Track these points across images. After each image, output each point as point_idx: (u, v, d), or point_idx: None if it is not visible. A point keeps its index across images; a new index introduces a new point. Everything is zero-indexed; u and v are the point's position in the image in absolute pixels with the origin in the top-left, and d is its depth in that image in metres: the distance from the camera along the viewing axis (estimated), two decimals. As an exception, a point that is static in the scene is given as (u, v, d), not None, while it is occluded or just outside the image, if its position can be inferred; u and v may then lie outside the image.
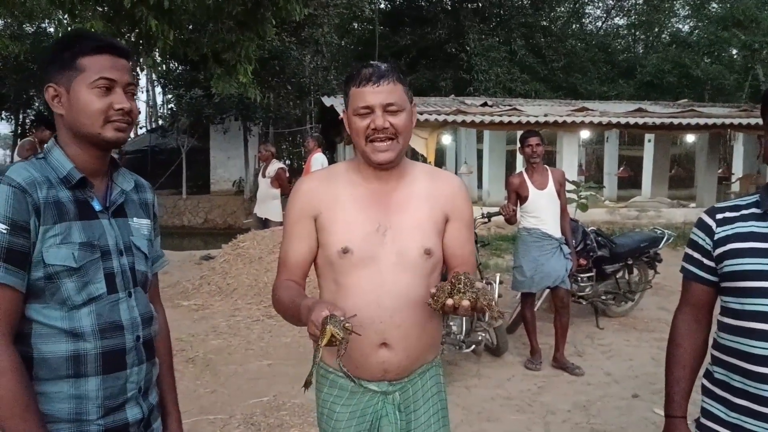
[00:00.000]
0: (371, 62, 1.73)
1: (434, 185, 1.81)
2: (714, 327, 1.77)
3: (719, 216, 1.69)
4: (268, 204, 9.71)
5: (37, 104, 20.10)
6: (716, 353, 1.71)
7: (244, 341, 5.44)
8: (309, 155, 9.58)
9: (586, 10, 29.80)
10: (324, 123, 17.76)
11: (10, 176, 1.37)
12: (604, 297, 6.17)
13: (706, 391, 1.74)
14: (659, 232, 6.70)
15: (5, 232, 1.33)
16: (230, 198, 19.68)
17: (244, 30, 8.61)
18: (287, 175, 9.62)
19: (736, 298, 1.62)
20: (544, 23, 25.73)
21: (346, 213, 1.73)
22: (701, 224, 1.73)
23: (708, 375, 1.75)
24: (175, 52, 8.87)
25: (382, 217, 1.73)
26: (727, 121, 12.64)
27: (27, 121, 19.97)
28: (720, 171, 16.08)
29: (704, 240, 1.70)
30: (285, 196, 10.20)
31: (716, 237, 1.67)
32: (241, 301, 6.65)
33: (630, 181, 19.68)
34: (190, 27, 9.64)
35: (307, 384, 1.53)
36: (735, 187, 17.30)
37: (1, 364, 1.31)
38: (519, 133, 16.24)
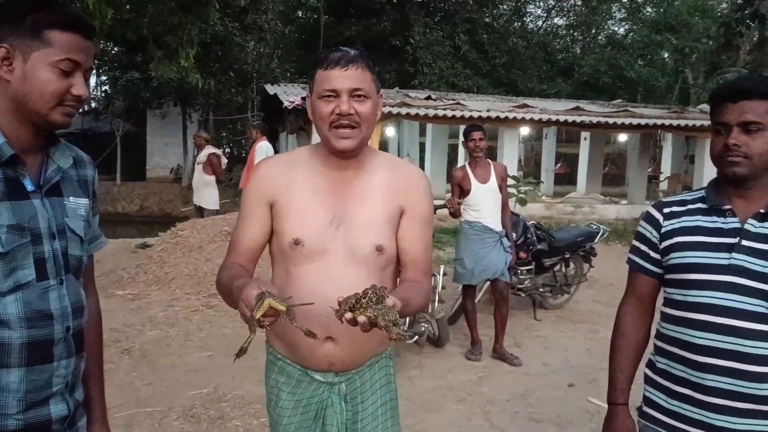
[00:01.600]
0: (341, 47, 1.70)
1: (393, 177, 1.77)
2: (656, 317, 1.83)
3: (666, 210, 1.75)
4: (202, 191, 9.51)
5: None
6: (659, 343, 1.77)
7: (183, 332, 5.31)
8: (253, 144, 9.44)
9: (528, 9, 30.41)
10: (266, 111, 17.50)
11: None
12: (542, 289, 6.33)
13: (648, 380, 1.81)
14: (594, 227, 6.92)
15: None
16: (167, 185, 19.16)
17: (187, 13, 8.35)
18: (221, 160, 9.44)
19: (679, 290, 1.68)
20: (487, 20, 26.08)
21: (301, 202, 1.70)
22: (649, 217, 1.79)
23: (650, 364, 1.81)
24: (112, 32, 8.52)
25: (338, 209, 1.70)
26: (659, 122, 13.16)
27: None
28: (650, 170, 16.74)
29: (651, 233, 1.76)
30: (220, 182, 10.05)
31: (663, 230, 1.73)
32: (180, 291, 6.49)
33: (566, 177, 20.27)
34: (128, 7, 9.29)
35: (240, 352, 1.47)
36: (663, 185, 18.08)
37: None
38: (462, 127, 16.41)
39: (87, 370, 1.54)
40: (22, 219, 1.32)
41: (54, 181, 1.42)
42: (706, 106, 17.02)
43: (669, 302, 1.74)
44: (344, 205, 1.71)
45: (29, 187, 1.36)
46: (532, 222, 6.38)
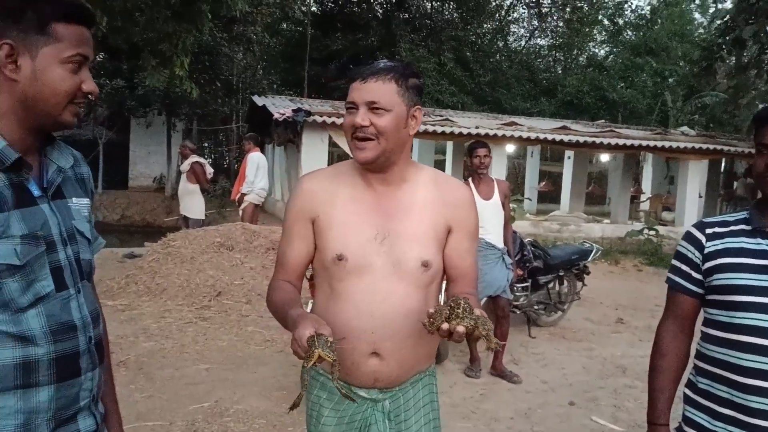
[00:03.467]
0: (380, 60, 1.72)
1: (439, 192, 1.75)
2: (696, 337, 1.84)
3: (709, 231, 1.76)
4: (186, 200, 9.44)
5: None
6: (700, 364, 1.77)
7: (178, 344, 5.22)
8: (245, 155, 9.41)
9: (511, 29, 30.82)
10: (253, 123, 17.42)
11: None
12: (536, 307, 6.36)
13: (688, 401, 1.80)
14: (588, 245, 6.98)
15: None
16: (150, 195, 18.91)
17: (180, 21, 8.32)
18: (205, 169, 9.36)
19: (725, 311, 1.69)
20: (472, 38, 26.37)
21: (344, 216, 1.69)
22: (690, 238, 1.79)
23: (690, 385, 1.81)
24: (104, 40, 8.44)
25: (382, 224, 1.68)
26: (644, 142, 13.36)
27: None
28: (632, 190, 16.97)
29: (693, 253, 1.77)
30: (206, 192, 9.97)
31: (706, 251, 1.73)
32: (172, 302, 6.38)
33: (549, 195, 20.45)
34: (120, 15, 9.21)
35: (294, 406, 1.50)
36: (645, 205, 18.33)
37: None
38: (449, 143, 16.45)
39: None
40: (34, 227, 1.24)
41: (56, 183, 1.34)
42: (687, 129, 17.38)
43: (712, 323, 1.74)
44: (388, 219, 1.69)
45: (35, 192, 1.28)
46: (529, 239, 6.42)
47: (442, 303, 1.65)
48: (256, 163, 9.02)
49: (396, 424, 1.75)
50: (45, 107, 1.26)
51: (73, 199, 1.37)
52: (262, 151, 9.93)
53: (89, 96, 1.31)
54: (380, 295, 1.65)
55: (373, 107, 1.62)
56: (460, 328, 1.40)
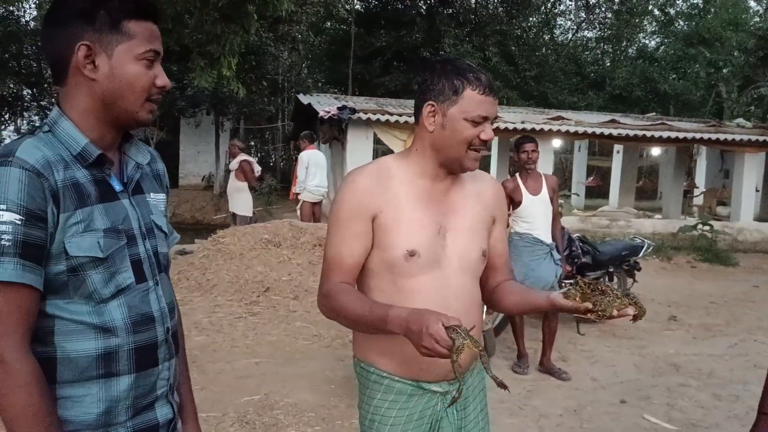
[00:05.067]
0: (478, 68, 1.70)
1: (481, 187, 1.83)
2: None
3: None
4: (234, 198, 9.65)
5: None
6: None
7: (229, 338, 5.34)
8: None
9: (557, 22, 30.31)
10: (298, 121, 17.62)
11: (22, 157, 1.18)
12: (585, 303, 6.25)
13: None
14: (639, 241, 6.84)
15: (19, 222, 1.15)
16: (199, 193, 19.32)
17: (228, 22, 8.48)
18: (253, 167, 9.53)
19: None
20: (518, 32, 26.02)
21: (410, 213, 1.69)
22: None
23: None
24: (156, 42, 8.66)
25: (441, 218, 1.72)
26: (698, 135, 12.96)
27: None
28: (685, 184, 16.52)
29: None
30: (253, 190, 10.15)
31: None
32: (222, 297, 6.52)
33: (597, 190, 20.07)
34: (171, 18, 9.44)
35: (453, 402, 1.60)
36: (699, 200, 17.80)
37: (21, 375, 1.16)
38: (494, 139, 16.28)
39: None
40: (116, 221, 1.29)
41: (136, 179, 1.39)
42: (743, 120, 16.77)
43: None
44: (445, 214, 1.73)
45: (117, 187, 1.33)
46: (577, 235, 6.32)
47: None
48: (305, 161, 9.09)
49: (459, 413, 1.77)
50: (123, 104, 1.30)
51: (151, 194, 1.42)
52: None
53: (162, 90, 1.35)
54: (452, 288, 1.70)
55: (493, 122, 1.68)
56: (630, 310, 1.51)
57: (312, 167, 9.07)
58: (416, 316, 1.43)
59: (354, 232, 1.68)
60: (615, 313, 1.48)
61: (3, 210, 1.15)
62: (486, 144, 1.68)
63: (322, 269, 1.74)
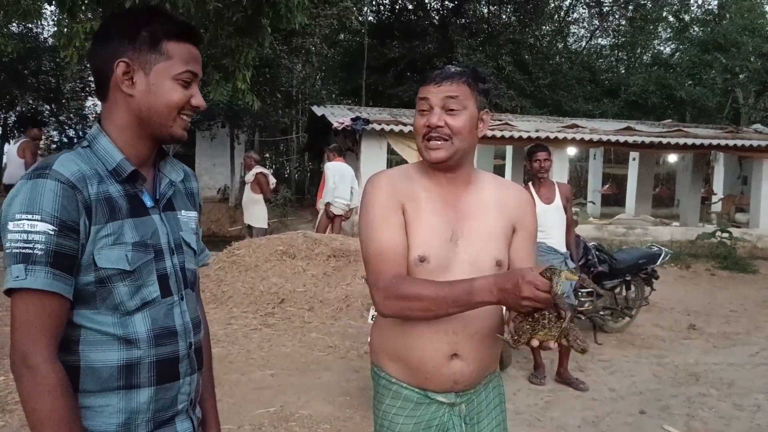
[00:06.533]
0: (452, 63, 1.74)
1: (502, 194, 1.79)
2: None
3: None
4: (250, 209, 9.69)
5: (19, 107, 19.65)
6: None
7: (244, 350, 5.34)
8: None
9: (571, 29, 30.22)
10: (312, 132, 17.71)
11: (58, 170, 1.23)
12: (602, 312, 6.19)
13: None
14: (656, 249, 6.76)
15: (52, 233, 1.20)
16: (215, 205, 19.43)
17: (243, 36, 8.56)
18: (268, 179, 9.58)
19: None
20: (531, 41, 25.99)
21: (425, 216, 1.69)
22: None
23: None
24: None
25: (455, 224, 1.71)
26: (714, 141, 12.84)
27: (9, 122, 19.49)
28: (702, 191, 16.34)
29: None
30: (268, 202, 10.19)
31: None
32: (237, 309, 6.54)
33: (613, 198, 19.91)
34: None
35: (583, 351, 1.50)
36: (717, 207, 17.59)
37: (48, 381, 1.19)
38: (508, 147, 16.27)
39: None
40: (145, 235, 1.33)
41: (168, 196, 1.43)
42: (760, 126, 16.60)
43: None
44: (460, 220, 1.72)
45: (148, 203, 1.37)
46: (593, 243, 6.26)
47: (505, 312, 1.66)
48: (331, 171, 9.07)
49: (470, 426, 1.76)
50: (158, 119, 1.34)
51: (182, 211, 1.46)
52: (320, 160, 10.14)
53: (197, 110, 1.39)
54: None
55: (447, 108, 1.65)
56: (552, 344, 1.44)
57: (337, 178, 9.06)
58: (505, 275, 1.47)
59: (392, 223, 1.67)
60: (535, 343, 1.46)
61: (37, 220, 1.20)
62: (433, 128, 1.67)
63: (369, 269, 1.67)
